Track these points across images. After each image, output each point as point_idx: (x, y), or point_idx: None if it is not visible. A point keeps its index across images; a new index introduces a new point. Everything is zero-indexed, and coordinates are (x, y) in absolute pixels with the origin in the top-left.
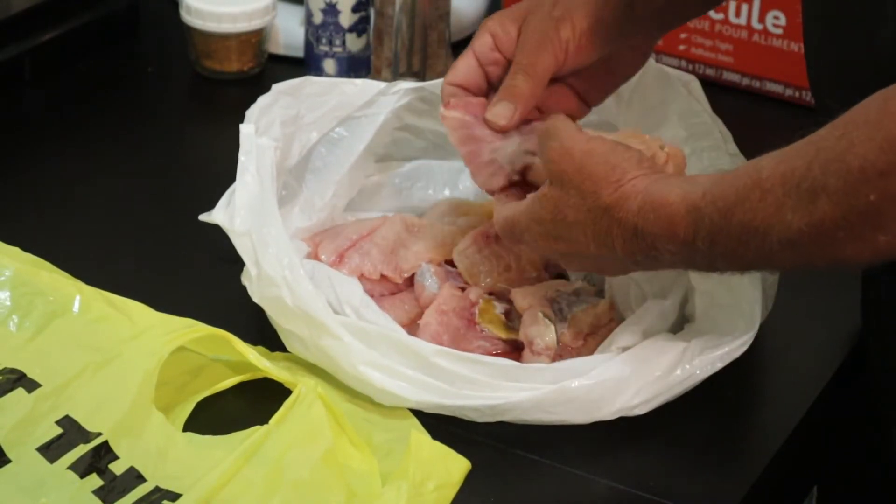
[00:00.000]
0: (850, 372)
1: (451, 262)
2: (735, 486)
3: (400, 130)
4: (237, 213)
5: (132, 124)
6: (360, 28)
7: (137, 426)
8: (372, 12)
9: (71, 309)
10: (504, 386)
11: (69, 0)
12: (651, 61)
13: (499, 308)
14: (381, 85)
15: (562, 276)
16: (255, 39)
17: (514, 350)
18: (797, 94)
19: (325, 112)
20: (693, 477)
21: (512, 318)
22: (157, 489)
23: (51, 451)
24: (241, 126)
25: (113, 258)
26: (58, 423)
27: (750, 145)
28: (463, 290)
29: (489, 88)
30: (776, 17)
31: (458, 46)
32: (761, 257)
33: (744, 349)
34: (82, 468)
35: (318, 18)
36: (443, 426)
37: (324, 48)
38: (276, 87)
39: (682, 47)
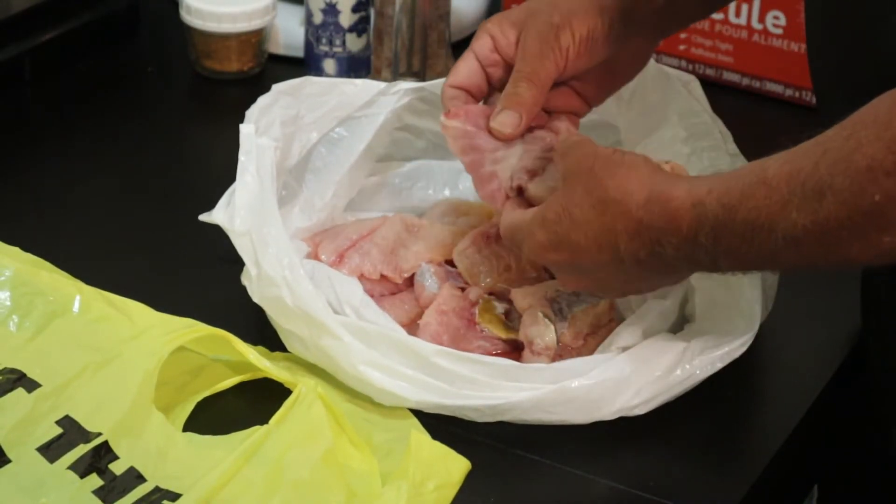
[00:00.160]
0: (850, 372)
1: (451, 262)
2: (735, 486)
3: (400, 130)
4: (237, 213)
5: (132, 124)
6: (360, 28)
7: (137, 426)
8: (372, 12)
9: (71, 309)
10: (504, 386)
11: (69, 0)
12: (651, 61)
13: (499, 308)
14: (381, 85)
15: None
16: (255, 39)
17: (514, 350)
18: (797, 94)
19: (325, 112)
20: (693, 477)
21: (512, 318)
22: (157, 489)
23: (51, 451)
24: (241, 126)
25: (113, 258)
26: (58, 423)
27: (750, 145)
28: (463, 290)
29: (490, 90)
30: (776, 17)
31: (458, 46)
32: (765, 255)
33: (744, 349)
34: (82, 468)
35: (318, 18)
36: (443, 426)
37: (324, 48)
38: (276, 87)
39: (682, 47)
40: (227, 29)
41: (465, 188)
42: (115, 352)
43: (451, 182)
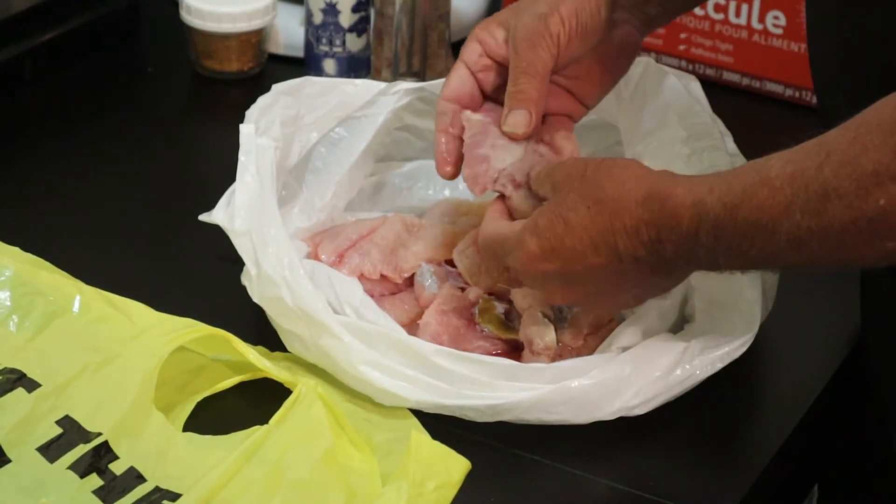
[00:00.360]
0: (850, 372)
1: (451, 262)
2: (735, 486)
3: (400, 130)
4: (237, 213)
5: (132, 124)
6: (360, 28)
7: (137, 426)
8: (372, 12)
9: (71, 309)
10: (504, 386)
11: (69, 0)
12: (651, 61)
13: (499, 308)
14: (381, 85)
15: None
16: (255, 39)
17: (514, 350)
18: (797, 94)
19: (325, 112)
20: (693, 477)
21: (512, 318)
22: (157, 489)
23: (51, 451)
24: (241, 126)
25: (113, 258)
26: (58, 423)
27: (750, 145)
28: (463, 290)
29: (483, 97)
30: (776, 17)
31: (458, 46)
32: (766, 255)
33: (744, 349)
34: (82, 468)
35: (318, 18)
36: (443, 426)
37: (324, 48)
38: (276, 87)
39: (682, 47)
40: (227, 29)
41: (465, 188)
42: (115, 352)
43: (451, 182)
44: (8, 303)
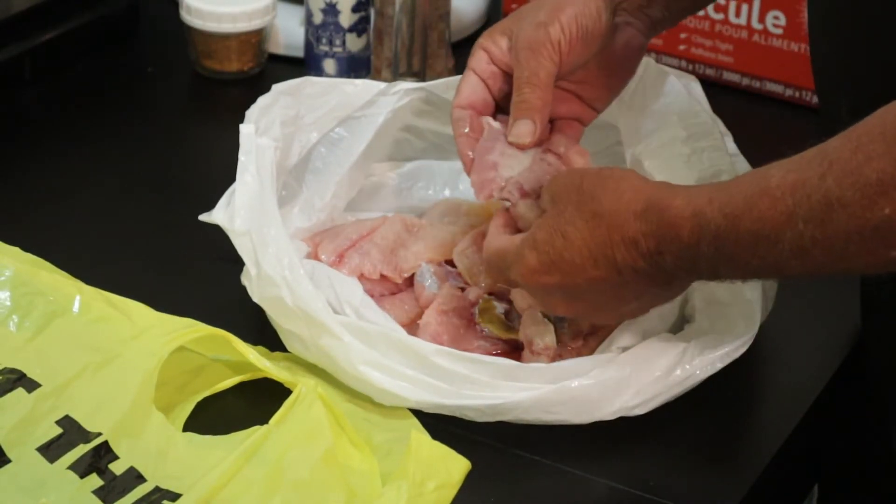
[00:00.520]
0: (850, 372)
1: (451, 262)
2: (735, 486)
3: (400, 131)
4: (237, 213)
5: (132, 124)
6: (360, 28)
7: (137, 426)
8: (372, 12)
9: (71, 309)
10: (504, 386)
11: (69, 0)
12: (651, 61)
13: (499, 308)
14: (382, 85)
15: None
16: (255, 39)
17: (514, 350)
18: (797, 94)
19: (325, 112)
20: (693, 477)
21: (512, 318)
22: (157, 489)
23: (51, 451)
24: (241, 126)
25: (113, 258)
26: (58, 423)
27: (750, 145)
28: (463, 290)
29: (495, 104)
30: (776, 17)
31: (458, 46)
32: (769, 265)
33: (744, 349)
34: (82, 468)
35: (318, 18)
36: (443, 426)
37: (324, 48)
38: (276, 87)
39: (682, 47)
40: (227, 29)
41: (465, 188)
42: (115, 352)
43: (451, 182)
44: (8, 303)
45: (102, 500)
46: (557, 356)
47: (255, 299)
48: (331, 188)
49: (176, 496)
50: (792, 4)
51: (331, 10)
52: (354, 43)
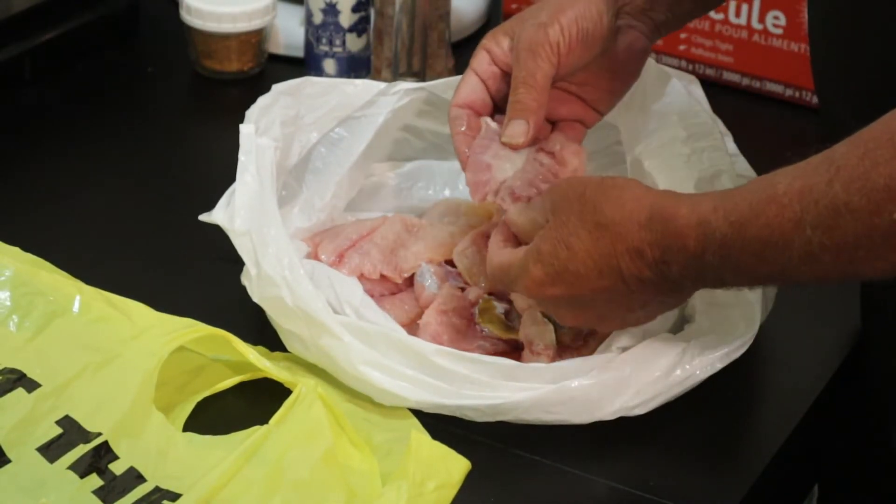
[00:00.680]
0: (850, 372)
1: (451, 262)
2: (735, 486)
3: (400, 131)
4: (237, 213)
5: (132, 124)
6: (360, 28)
7: (137, 426)
8: (372, 12)
9: (71, 309)
10: (504, 386)
11: (69, 0)
12: (651, 61)
13: (499, 308)
14: (382, 85)
15: None
16: (255, 39)
17: (514, 350)
18: (797, 94)
19: (325, 112)
20: (693, 477)
21: (512, 318)
22: (157, 489)
23: (51, 451)
24: (241, 126)
25: (113, 258)
26: (58, 423)
27: (750, 145)
28: (463, 290)
29: (494, 105)
30: (776, 17)
31: (458, 46)
32: (776, 272)
33: (744, 349)
34: (82, 468)
35: (318, 18)
36: (443, 426)
37: (324, 48)
38: (276, 87)
39: (682, 47)
40: (227, 29)
41: (464, 188)
42: (115, 352)
43: (451, 182)
44: (8, 303)
45: (102, 500)
46: (557, 356)
47: (255, 299)
48: (331, 188)
49: (176, 496)
50: (792, 4)
51: (331, 10)
52: (354, 43)
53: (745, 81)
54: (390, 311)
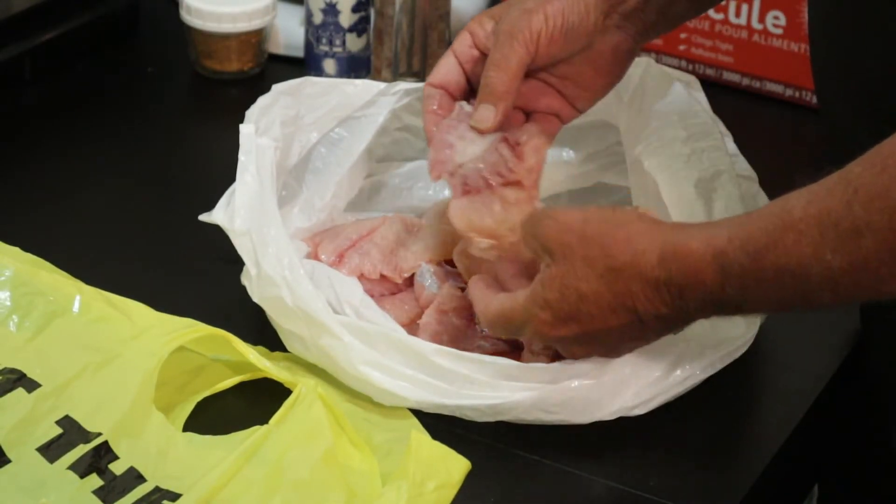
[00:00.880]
0: (850, 372)
1: (451, 262)
2: (735, 486)
3: (400, 131)
4: (237, 213)
5: (132, 124)
6: (360, 28)
7: (137, 426)
8: (372, 12)
9: (71, 309)
10: (504, 386)
11: (69, 0)
12: (651, 61)
13: None
14: (381, 85)
15: None
16: (255, 39)
17: (514, 350)
18: (797, 94)
19: (325, 112)
20: (693, 477)
21: None
22: (157, 489)
23: (51, 451)
24: (241, 126)
25: (113, 258)
26: (58, 423)
27: (750, 145)
28: (463, 290)
29: (469, 87)
30: (776, 17)
31: None
32: (796, 298)
33: (744, 349)
34: (82, 468)
35: (318, 18)
36: (443, 426)
37: (324, 48)
38: (276, 87)
39: (682, 47)
40: (227, 29)
41: None
42: (115, 352)
43: None
44: (8, 303)
45: (102, 500)
46: (557, 356)
47: (255, 299)
48: (331, 188)
49: (176, 496)
50: (792, 4)
51: (331, 10)
52: (354, 43)
53: (745, 81)
54: (390, 311)
